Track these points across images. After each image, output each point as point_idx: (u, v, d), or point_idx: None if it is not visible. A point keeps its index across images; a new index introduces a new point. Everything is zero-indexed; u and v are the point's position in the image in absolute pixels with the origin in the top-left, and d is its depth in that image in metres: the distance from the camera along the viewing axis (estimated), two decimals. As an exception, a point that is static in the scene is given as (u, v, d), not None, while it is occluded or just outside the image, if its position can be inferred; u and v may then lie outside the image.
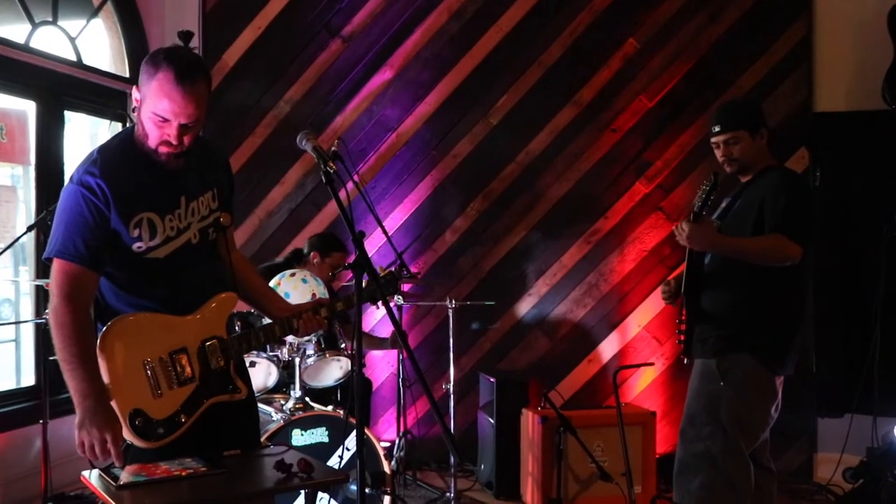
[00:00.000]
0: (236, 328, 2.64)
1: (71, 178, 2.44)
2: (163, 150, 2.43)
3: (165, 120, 2.38)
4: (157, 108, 2.36)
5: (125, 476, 2.25)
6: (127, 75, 5.58)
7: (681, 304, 3.49)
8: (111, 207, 2.39)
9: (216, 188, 2.64)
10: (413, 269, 5.43)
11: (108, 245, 2.42)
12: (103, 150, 2.48)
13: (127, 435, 2.36)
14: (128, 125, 5.52)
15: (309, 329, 2.72)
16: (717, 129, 3.45)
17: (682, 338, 3.48)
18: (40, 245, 4.77)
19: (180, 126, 2.39)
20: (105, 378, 2.36)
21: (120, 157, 2.46)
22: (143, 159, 2.47)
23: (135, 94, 2.43)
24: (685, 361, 3.53)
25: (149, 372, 2.42)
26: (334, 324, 4.14)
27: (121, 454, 2.32)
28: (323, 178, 2.45)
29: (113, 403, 2.36)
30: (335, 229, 5.67)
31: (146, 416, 2.37)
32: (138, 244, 2.44)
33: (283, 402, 4.09)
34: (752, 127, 3.41)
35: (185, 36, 2.51)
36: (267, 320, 2.85)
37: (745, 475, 3.33)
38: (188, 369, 2.48)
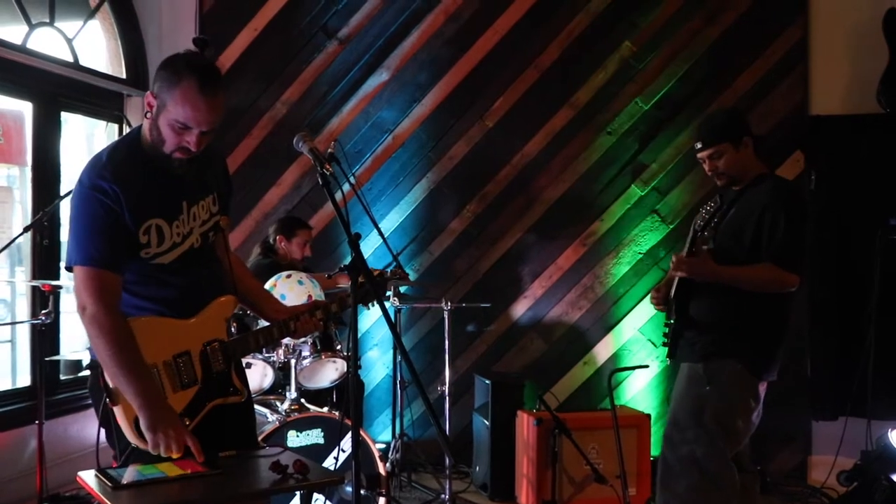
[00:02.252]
0: (232, 329, 2.65)
1: (81, 182, 2.42)
2: (178, 155, 2.44)
3: (187, 127, 2.39)
4: (180, 116, 2.36)
5: (121, 477, 2.25)
6: (123, 76, 5.59)
7: (670, 308, 3.51)
8: (124, 212, 2.39)
9: (216, 192, 2.66)
10: (408, 273, 5.44)
11: (124, 248, 2.42)
12: (112, 154, 2.46)
13: (132, 438, 2.36)
14: (124, 126, 5.53)
15: (306, 331, 2.75)
16: (698, 145, 3.47)
17: (668, 340, 3.50)
18: (37, 246, 4.77)
19: (200, 133, 2.41)
20: (111, 382, 2.36)
21: (129, 161, 2.45)
22: (149, 164, 2.47)
23: (149, 99, 2.42)
24: (669, 362, 3.55)
25: (154, 376, 2.43)
26: (330, 325, 4.15)
27: (200, 448, 2.34)
28: (319, 179, 2.46)
29: (118, 408, 2.36)
30: (331, 231, 5.69)
31: None
32: (146, 250, 2.45)
33: (278, 403, 4.09)
34: (734, 138, 3.40)
35: (201, 43, 2.51)
36: (262, 321, 2.86)
37: (730, 477, 3.34)
38: (191, 372, 2.49)
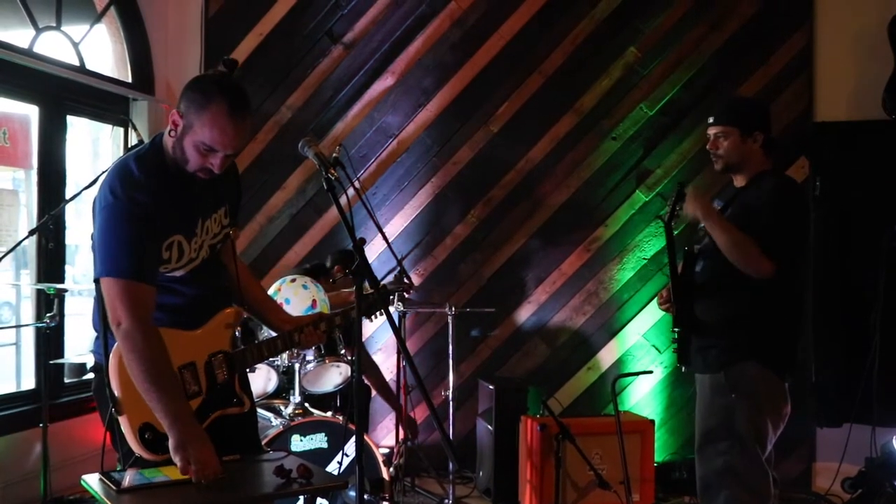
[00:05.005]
0: (237, 334, 2.66)
1: (114, 195, 2.37)
2: (200, 175, 2.44)
3: (212, 150, 2.38)
4: (207, 139, 2.36)
5: (125, 480, 2.25)
6: (129, 80, 5.60)
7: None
8: (155, 226, 2.38)
9: (228, 203, 2.66)
10: (412, 277, 5.45)
11: (157, 260, 2.42)
12: (142, 166, 2.42)
13: (136, 448, 2.36)
14: (130, 130, 5.54)
15: (310, 343, 2.77)
16: (710, 120, 3.44)
17: (676, 346, 3.47)
18: (42, 249, 4.78)
19: (225, 156, 2.41)
20: (117, 392, 2.36)
21: (158, 176, 2.43)
22: (173, 179, 2.46)
23: (174, 118, 2.40)
24: (683, 370, 3.53)
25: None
26: (335, 330, 4.15)
27: (219, 472, 2.28)
28: (324, 184, 2.46)
29: (123, 418, 2.36)
30: (336, 235, 5.69)
31: (155, 431, 2.35)
32: (165, 265, 2.45)
33: (282, 407, 4.10)
34: (745, 127, 3.36)
35: (231, 64, 2.51)
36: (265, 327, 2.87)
37: (767, 483, 3.31)
38: (196, 383, 2.49)
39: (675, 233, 3.48)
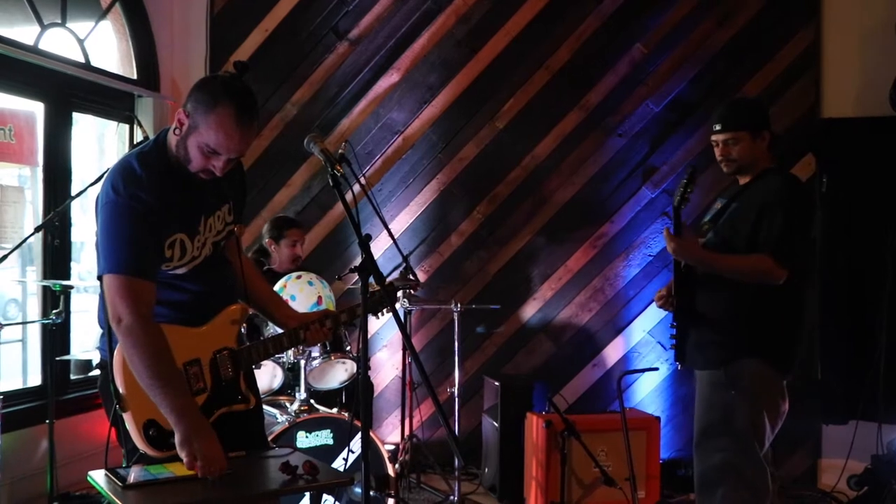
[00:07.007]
0: (242, 330, 2.66)
1: (116, 192, 2.37)
2: (202, 176, 2.44)
3: (216, 153, 2.37)
4: (211, 141, 2.35)
5: (131, 476, 2.25)
6: (134, 77, 5.60)
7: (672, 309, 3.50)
8: (156, 223, 2.38)
9: (232, 200, 2.65)
10: (418, 274, 5.45)
11: (159, 257, 2.42)
12: (145, 164, 2.42)
13: (140, 445, 2.36)
14: (135, 127, 5.54)
15: (315, 340, 2.77)
16: (717, 127, 3.43)
17: (676, 342, 3.47)
18: (48, 246, 4.78)
19: (228, 159, 2.40)
20: (121, 388, 2.36)
21: (161, 174, 2.43)
22: (175, 178, 2.46)
23: (181, 117, 2.39)
24: (679, 367, 3.53)
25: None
26: (340, 327, 4.15)
27: (224, 468, 2.28)
28: (330, 180, 2.46)
29: (128, 415, 2.36)
30: (341, 232, 5.69)
31: (160, 427, 2.36)
32: (167, 263, 2.45)
33: (288, 403, 4.10)
34: (754, 128, 3.38)
35: (242, 67, 2.51)
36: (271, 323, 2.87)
37: (765, 479, 3.31)
38: (201, 380, 2.49)
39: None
